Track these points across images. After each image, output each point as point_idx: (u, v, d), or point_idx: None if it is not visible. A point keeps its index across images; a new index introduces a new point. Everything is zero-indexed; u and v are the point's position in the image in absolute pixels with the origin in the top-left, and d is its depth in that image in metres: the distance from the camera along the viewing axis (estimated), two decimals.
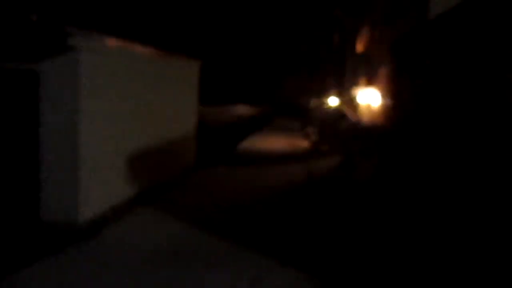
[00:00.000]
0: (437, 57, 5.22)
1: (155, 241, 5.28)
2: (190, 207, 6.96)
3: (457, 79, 4.53)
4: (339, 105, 18.14)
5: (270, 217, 6.54)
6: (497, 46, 3.68)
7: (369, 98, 12.06)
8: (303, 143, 16.23)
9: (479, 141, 3.91)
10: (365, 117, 13.21)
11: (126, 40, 6.36)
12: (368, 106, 12.80)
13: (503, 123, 3.49)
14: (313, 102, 25.64)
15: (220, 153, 12.40)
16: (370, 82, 13.42)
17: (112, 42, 5.87)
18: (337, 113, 15.22)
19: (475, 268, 3.68)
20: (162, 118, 7.96)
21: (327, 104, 20.03)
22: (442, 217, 4.58)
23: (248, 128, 19.39)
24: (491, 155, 3.66)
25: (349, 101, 16.56)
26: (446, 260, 4.21)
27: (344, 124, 12.92)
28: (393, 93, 7.68)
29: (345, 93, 19.42)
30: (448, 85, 4.78)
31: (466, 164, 4.16)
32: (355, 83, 17.48)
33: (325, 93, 26.43)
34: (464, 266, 3.86)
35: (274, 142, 16.82)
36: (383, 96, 10.11)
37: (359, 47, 18.05)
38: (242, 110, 19.66)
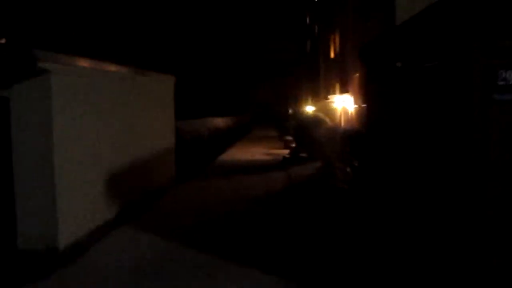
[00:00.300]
0: (405, 60, 5.36)
1: (140, 259, 5.21)
2: (172, 222, 6.91)
3: (425, 82, 4.66)
4: (316, 111, 18.33)
5: (253, 227, 6.55)
6: (460, 48, 3.81)
7: (344, 103, 12.25)
8: (282, 151, 16.32)
9: (448, 142, 4.03)
10: (341, 123, 13.39)
11: (97, 59, 6.32)
12: (344, 111, 12.99)
13: (471, 123, 3.61)
14: (290, 110, 25.83)
15: (200, 166, 12.36)
16: (344, 87, 13.63)
17: (83, 63, 5.83)
18: (314, 120, 15.37)
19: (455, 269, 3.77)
20: (139, 135, 7.91)
21: (304, 110, 20.21)
22: (416, 221, 4.67)
23: (226, 139, 19.38)
24: (460, 156, 3.77)
25: (325, 107, 16.75)
26: (419, 261, 4.30)
27: (322, 130, 13.05)
28: (366, 97, 7.82)
29: (321, 99, 19.65)
30: (417, 88, 4.91)
31: (438, 166, 4.26)
32: (330, 89, 17.72)
33: (301, 100, 26.69)
34: (443, 268, 3.95)
35: (253, 152, 16.86)
36: (357, 100, 10.29)
37: (332, 53, 18.35)
38: (219, 121, 19.66)
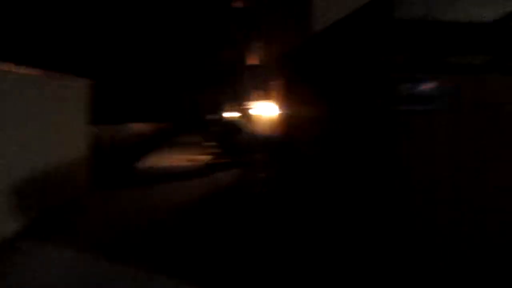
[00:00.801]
0: (319, 69, 5.65)
1: (53, 279, 4.89)
2: (86, 234, 6.57)
3: (338, 91, 4.95)
4: (237, 118, 18.55)
5: (173, 237, 6.46)
6: (366, 62, 4.11)
7: (265, 109, 12.54)
8: (204, 158, 16.27)
9: (357, 149, 4.32)
10: (261, 129, 13.68)
11: (3, 61, 5.89)
12: (264, 118, 13.28)
13: (375, 131, 3.91)
14: (213, 116, 25.83)
15: (117, 174, 11.92)
16: (266, 94, 13.95)
17: None
18: (236, 126, 15.55)
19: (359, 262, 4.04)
20: (47, 141, 7.45)
21: (226, 117, 20.35)
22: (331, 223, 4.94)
23: (147, 147, 18.89)
24: (367, 163, 4.06)
25: (246, 113, 17.01)
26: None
27: (243, 136, 13.25)
28: (285, 104, 8.09)
29: (242, 105, 19.91)
30: (331, 96, 5.20)
31: (346, 167, 4.55)
32: (252, 96, 18.02)
33: (224, 106, 26.85)
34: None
35: (175, 159, 16.61)
36: (277, 107, 10.60)
37: (254, 60, 18.70)
38: (140, 128, 19.11)
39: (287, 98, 7.89)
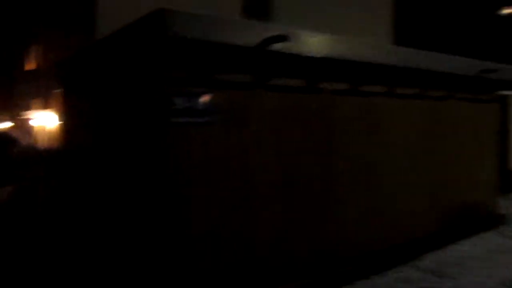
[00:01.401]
0: (100, 78, 5.42)
1: None
2: None
3: (120, 101, 4.83)
4: (10, 128, 16.35)
5: None
6: (144, 75, 4.13)
7: (44, 119, 11.38)
8: None
9: (138, 157, 4.29)
10: (40, 141, 12.38)
11: None
12: (44, 129, 12.05)
13: (153, 141, 3.95)
14: None
15: None
16: (45, 103, 12.63)
17: None
18: (9, 137, 13.61)
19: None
20: None
21: None
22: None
23: None
24: (144, 170, 4.07)
25: (23, 124, 15.14)
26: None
27: (15, 149, 11.66)
28: (64, 114, 7.47)
29: (18, 114, 17.60)
30: (113, 106, 5.03)
31: (126, 175, 4.48)
32: (29, 105, 16.10)
33: None
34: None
35: None
36: (58, 117, 9.75)
37: (32, 65, 16.74)
38: None
39: (67, 108, 7.31)
